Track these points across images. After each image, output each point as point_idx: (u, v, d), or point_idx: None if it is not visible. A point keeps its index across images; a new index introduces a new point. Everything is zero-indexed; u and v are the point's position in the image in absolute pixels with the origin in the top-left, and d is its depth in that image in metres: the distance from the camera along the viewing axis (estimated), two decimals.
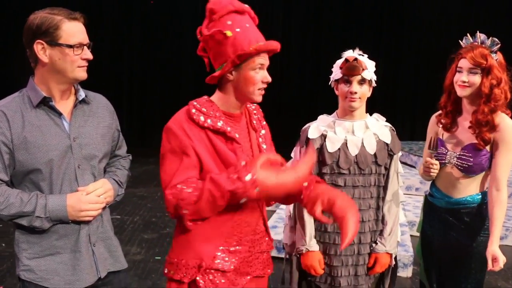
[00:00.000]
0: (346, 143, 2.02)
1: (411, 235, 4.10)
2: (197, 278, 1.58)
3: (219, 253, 1.61)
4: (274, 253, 4.02)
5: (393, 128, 2.13)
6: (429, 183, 2.32)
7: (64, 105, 1.68)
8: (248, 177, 1.43)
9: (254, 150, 1.69)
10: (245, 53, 1.52)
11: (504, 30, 6.79)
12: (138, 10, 8.52)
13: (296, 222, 2.09)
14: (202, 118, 1.57)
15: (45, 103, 1.63)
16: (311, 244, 2.04)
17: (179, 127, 1.56)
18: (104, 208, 1.74)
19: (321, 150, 2.03)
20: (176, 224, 1.67)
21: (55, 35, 1.56)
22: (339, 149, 2.01)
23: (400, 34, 8.42)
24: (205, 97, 1.67)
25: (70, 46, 1.58)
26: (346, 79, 1.98)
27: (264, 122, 1.80)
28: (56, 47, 1.57)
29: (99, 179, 1.74)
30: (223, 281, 1.61)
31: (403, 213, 2.23)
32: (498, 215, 2.04)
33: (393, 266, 2.14)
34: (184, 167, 1.54)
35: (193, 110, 1.58)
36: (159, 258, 4.02)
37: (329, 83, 2.11)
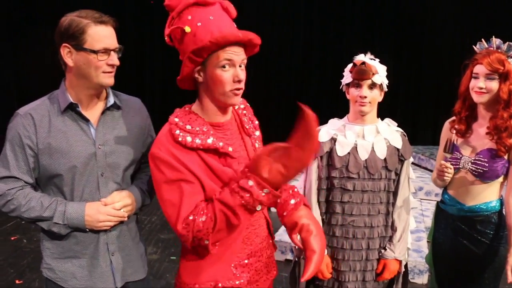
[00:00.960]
0: (356, 147, 2.00)
1: (428, 241, 4.04)
2: None
3: (232, 270, 1.52)
4: (289, 256, 4.01)
5: (405, 134, 2.10)
6: None
7: (92, 111, 1.65)
8: (250, 183, 1.29)
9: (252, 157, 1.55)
10: (198, 47, 1.33)
11: None
12: (157, 10, 8.60)
13: None
14: (189, 139, 1.38)
15: (72, 108, 1.61)
16: None
17: (167, 153, 1.37)
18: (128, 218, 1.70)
19: (330, 154, 2.02)
20: (181, 249, 1.57)
21: (81, 39, 1.52)
22: (348, 153, 2.00)
23: (424, 38, 8.27)
24: (187, 107, 1.50)
25: (94, 52, 1.53)
26: (356, 83, 1.96)
27: (257, 122, 1.66)
28: (81, 51, 1.53)
29: (123, 189, 1.70)
30: None
31: (413, 219, 2.19)
32: None
33: (403, 273, 2.12)
34: (188, 196, 1.37)
35: (177, 132, 1.39)
36: (174, 258, 4.06)
37: (340, 87, 2.10)
